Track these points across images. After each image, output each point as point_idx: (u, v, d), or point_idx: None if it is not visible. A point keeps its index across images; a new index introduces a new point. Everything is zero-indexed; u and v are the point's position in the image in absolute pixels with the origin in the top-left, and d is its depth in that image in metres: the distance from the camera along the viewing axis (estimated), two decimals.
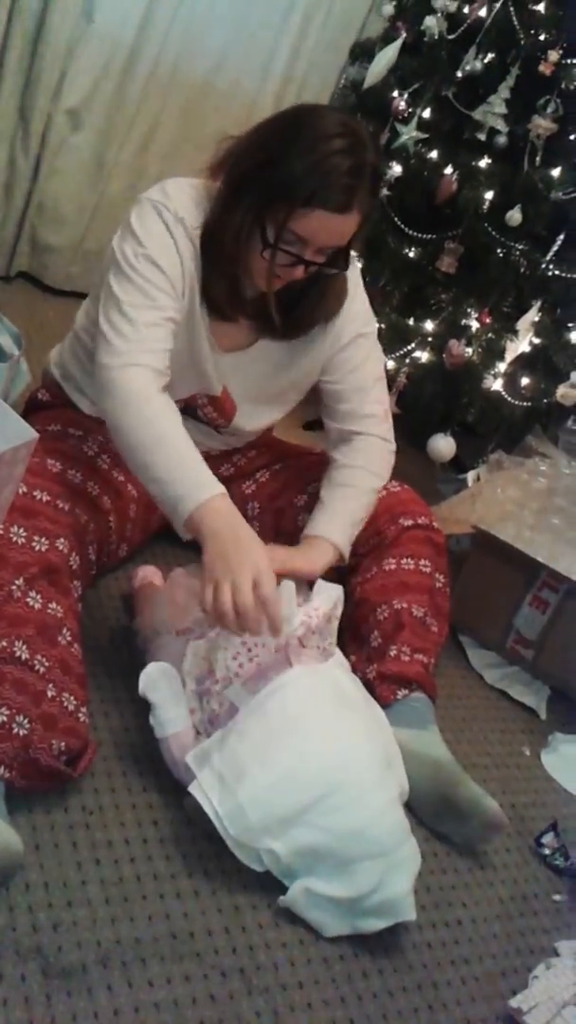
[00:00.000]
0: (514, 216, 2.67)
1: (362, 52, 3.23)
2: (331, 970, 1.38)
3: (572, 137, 2.71)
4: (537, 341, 2.75)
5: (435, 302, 2.92)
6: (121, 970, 1.25)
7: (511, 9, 2.69)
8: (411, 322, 2.92)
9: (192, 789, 1.43)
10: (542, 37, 2.67)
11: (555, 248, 2.71)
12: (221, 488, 1.54)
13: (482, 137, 2.76)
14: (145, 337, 1.59)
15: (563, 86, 2.63)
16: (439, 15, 2.83)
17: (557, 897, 1.74)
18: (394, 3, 3.06)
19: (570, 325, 2.82)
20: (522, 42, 2.68)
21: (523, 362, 2.76)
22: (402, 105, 2.91)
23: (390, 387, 2.71)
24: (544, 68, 2.62)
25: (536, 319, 2.71)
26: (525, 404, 2.77)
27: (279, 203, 1.55)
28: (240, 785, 1.40)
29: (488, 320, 2.78)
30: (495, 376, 2.74)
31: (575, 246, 2.73)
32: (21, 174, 2.98)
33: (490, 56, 2.76)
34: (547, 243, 2.72)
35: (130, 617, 1.80)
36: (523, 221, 2.68)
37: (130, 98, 3.05)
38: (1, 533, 1.49)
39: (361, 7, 3.35)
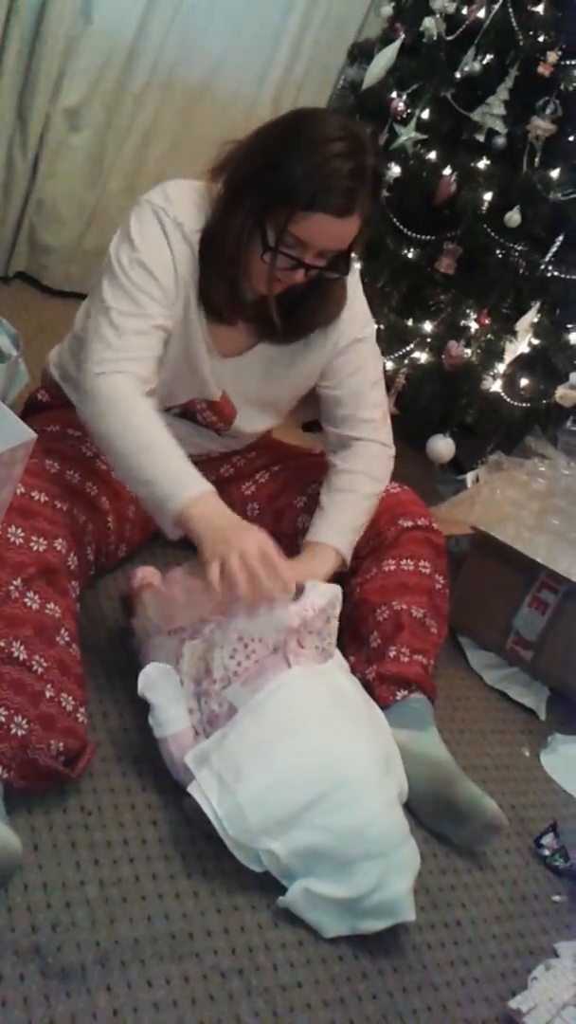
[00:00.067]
0: (513, 217, 2.67)
1: (361, 53, 3.23)
2: (330, 971, 1.38)
3: (571, 138, 2.70)
4: (536, 342, 2.75)
5: (434, 303, 2.92)
6: (120, 970, 1.24)
7: (510, 10, 2.69)
8: (410, 323, 2.92)
9: (191, 789, 1.42)
10: (541, 38, 2.66)
11: (554, 249, 2.71)
12: (210, 486, 1.56)
13: (481, 138, 2.76)
14: (131, 345, 1.60)
15: (562, 87, 2.63)
16: (438, 16, 2.83)
17: (556, 898, 1.73)
18: (393, 4, 3.06)
19: (569, 326, 2.82)
20: (521, 43, 2.68)
21: (522, 363, 2.76)
22: (401, 106, 2.91)
23: (389, 388, 2.71)
24: (543, 69, 2.62)
25: (535, 320, 2.71)
26: (524, 405, 2.76)
27: (280, 206, 1.55)
28: (239, 785, 1.40)
29: (487, 321, 2.78)
30: (494, 377, 2.74)
31: (574, 247, 2.72)
32: (19, 174, 2.98)
33: (489, 57, 2.75)
34: (546, 244, 2.72)
35: (128, 618, 1.80)
36: (522, 222, 2.67)
37: (128, 98, 3.05)
38: None
39: (359, 8, 3.36)
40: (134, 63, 3.00)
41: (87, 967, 1.23)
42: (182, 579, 1.67)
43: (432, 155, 2.89)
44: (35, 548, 1.51)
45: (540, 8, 2.67)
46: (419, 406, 2.86)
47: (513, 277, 2.77)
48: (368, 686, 1.76)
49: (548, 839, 1.81)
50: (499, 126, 2.73)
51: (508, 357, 2.73)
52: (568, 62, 2.63)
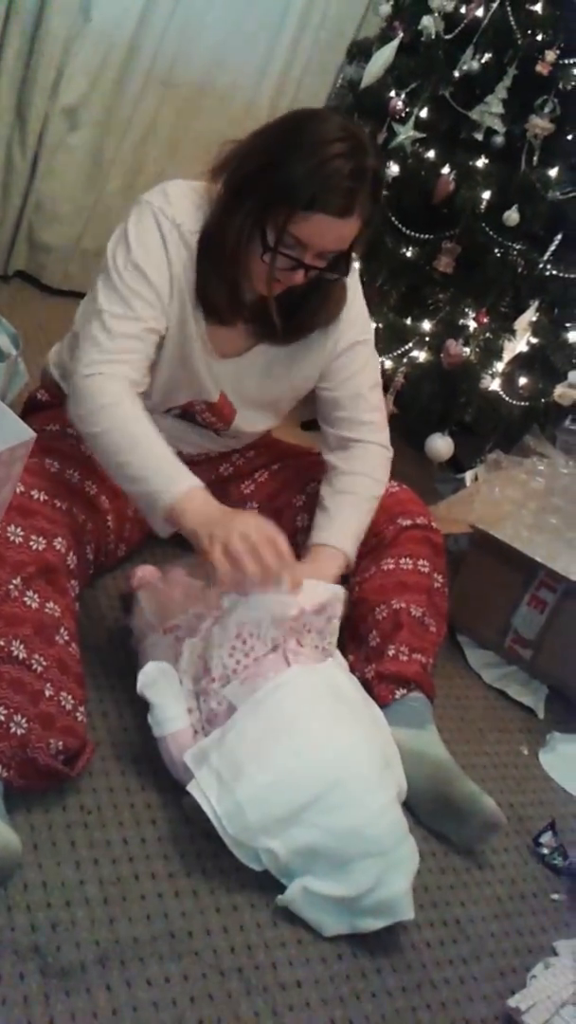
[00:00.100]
0: (511, 216, 2.67)
1: (359, 52, 3.23)
2: (329, 969, 1.38)
3: (569, 137, 2.71)
4: (535, 341, 2.75)
5: (432, 302, 2.92)
6: (119, 969, 1.24)
7: (508, 9, 2.69)
8: (408, 322, 2.92)
9: (190, 788, 1.42)
10: (539, 37, 2.66)
11: (552, 248, 2.71)
12: (199, 481, 1.56)
13: (479, 137, 2.76)
14: (121, 348, 1.62)
15: (560, 86, 2.63)
16: (436, 15, 2.83)
17: (555, 896, 1.74)
18: (391, 3, 3.06)
19: (568, 325, 2.82)
20: (519, 42, 2.68)
21: (521, 362, 2.76)
22: (399, 105, 2.91)
23: (387, 387, 2.72)
24: (541, 68, 2.62)
25: (534, 319, 2.71)
26: (523, 404, 2.77)
27: (280, 207, 1.55)
28: (238, 784, 1.40)
29: (486, 320, 2.78)
30: (493, 376, 2.74)
31: (572, 246, 2.73)
32: (18, 173, 2.98)
33: (487, 56, 2.75)
34: (544, 243, 2.72)
35: (127, 617, 1.80)
36: (520, 221, 2.67)
37: (127, 97, 3.05)
38: None
39: (358, 7, 3.36)
40: (133, 61, 3.00)
41: (87, 966, 1.23)
42: (182, 578, 1.68)
43: (431, 154, 2.89)
44: (34, 547, 1.51)
45: (538, 7, 2.68)
46: (418, 405, 2.86)
47: (512, 276, 2.77)
48: (367, 685, 1.76)
49: (547, 837, 1.81)
50: (497, 125, 2.73)
51: (507, 356, 2.73)
52: (566, 61, 2.63)
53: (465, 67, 2.76)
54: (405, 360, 2.86)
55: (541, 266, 2.73)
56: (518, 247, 2.74)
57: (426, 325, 2.88)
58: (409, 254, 2.95)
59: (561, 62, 2.62)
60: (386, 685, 1.79)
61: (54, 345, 2.02)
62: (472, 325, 2.79)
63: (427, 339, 2.86)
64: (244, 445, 2.07)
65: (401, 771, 1.60)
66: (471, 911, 1.61)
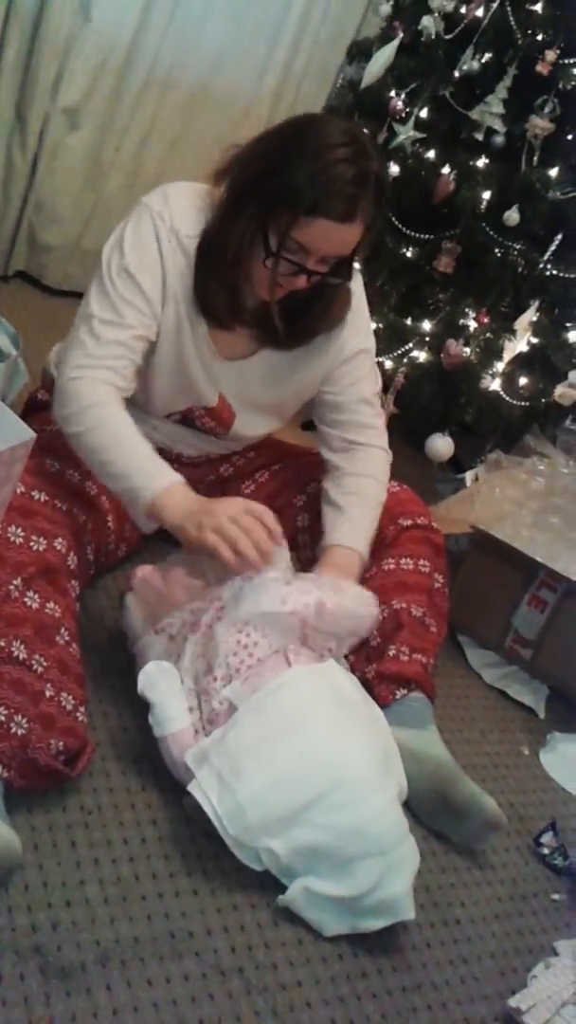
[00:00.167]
0: (512, 216, 2.67)
1: (359, 52, 3.23)
2: (330, 969, 1.38)
3: (569, 137, 2.71)
4: (535, 341, 2.75)
5: (433, 302, 2.92)
6: (120, 969, 1.24)
7: (508, 9, 2.69)
8: (409, 322, 2.92)
9: (191, 788, 1.43)
10: (539, 37, 2.66)
11: (553, 248, 2.71)
12: (180, 477, 1.58)
13: (479, 137, 2.76)
14: (108, 354, 1.63)
15: (560, 86, 2.63)
16: (436, 15, 2.83)
17: (556, 896, 1.74)
18: (391, 3, 3.06)
19: (568, 325, 2.82)
20: (519, 42, 2.68)
21: (521, 362, 2.76)
22: (399, 105, 2.91)
23: (388, 387, 2.72)
24: (541, 68, 2.62)
25: (534, 319, 2.71)
26: (523, 404, 2.76)
27: (282, 211, 1.54)
28: (239, 784, 1.40)
29: (486, 320, 2.78)
30: (493, 376, 2.74)
31: (573, 246, 2.73)
32: (19, 173, 2.98)
33: (487, 56, 2.75)
34: (545, 243, 2.72)
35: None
36: (521, 221, 2.68)
37: (127, 97, 3.05)
38: None
39: (358, 7, 3.36)
40: (133, 62, 3.00)
41: (87, 966, 1.23)
42: (182, 578, 1.68)
43: (431, 154, 2.89)
44: (35, 547, 1.51)
45: (538, 7, 2.68)
46: (418, 405, 2.86)
47: (512, 276, 2.77)
48: (367, 685, 1.76)
49: (547, 837, 1.81)
50: (498, 125, 2.73)
51: (507, 356, 2.73)
52: (566, 61, 2.63)
53: (465, 67, 2.76)
54: (405, 360, 2.86)
55: (541, 266, 2.73)
56: (518, 247, 2.74)
57: (426, 325, 2.88)
58: (409, 254, 2.95)
59: (561, 62, 2.62)
60: (387, 685, 1.79)
61: (54, 345, 2.02)
62: (472, 325, 2.79)
63: (427, 339, 2.86)
64: (245, 446, 2.07)
65: (402, 771, 1.60)
66: (471, 911, 1.61)
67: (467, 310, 2.82)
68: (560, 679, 2.27)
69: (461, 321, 2.81)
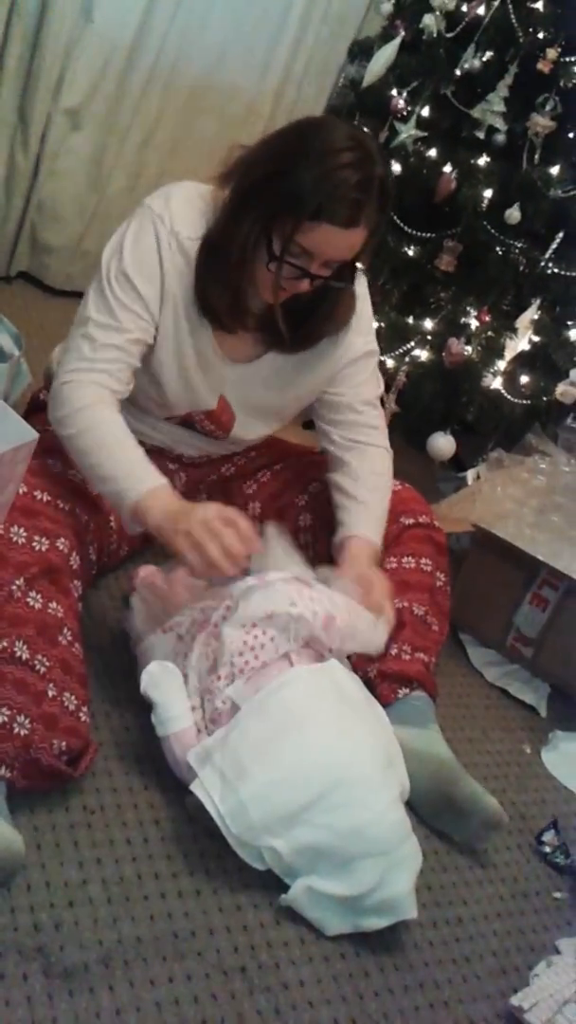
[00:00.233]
0: (513, 214, 2.67)
1: (361, 51, 3.23)
2: (332, 968, 1.39)
3: (571, 135, 2.71)
4: (536, 339, 2.75)
5: (434, 300, 2.92)
6: (123, 969, 1.25)
7: (509, 7, 2.69)
8: (410, 320, 2.92)
9: (194, 787, 1.43)
10: (541, 35, 2.66)
11: (554, 246, 2.71)
12: (164, 480, 1.59)
13: (481, 135, 2.76)
14: (103, 358, 1.64)
15: (562, 84, 2.63)
16: (437, 13, 2.83)
17: (558, 895, 1.74)
18: (392, 1, 3.06)
19: (569, 323, 2.82)
20: (521, 40, 2.68)
21: (522, 360, 2.76)
22: (401, 103, 2.91)
23: (389, 386, 2.72)
24: (543, 66, 2.62)
25: (535, 317, 2.71)
26: (525, 402, 2.76)
27: (286, 216, 1.54)
28: (242, 783, 1.40)
29: (487, 318, 2.78)
30: (495, 374, 2.74)
31: (574, 244, 2.72)
32: (21, 174, 2.98)
33: (489, 54, 2.75)
34: (546, 241, 2.72)
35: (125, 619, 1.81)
36: (522, 219, 2.67)
37: (129, 98, 3.05)
38: (1, 533, 1.49)
39: (359, 5, 3.36)
40: (135, 62, 3.00)
41: (90, 966, 1.23)
42: (185, 578, 1.68)
43: (432, 152, 2.89)
44: (37, 548, 1.52)
45: (540, 5, 2.68)
46: (420, 404, 2.86)
47: (513, 274, 2.77)
48: (369, 684, 1.76)
49: (549, 836, 1.81)
50: (499, 123, 2.73)
51: (508, 354, 2.73)
52: (568, 59, 2.63)
53: (466, 65, 2.77)
54: (407, 359, 2.86)
55: (543, 264, 2.72)
56: (520, 245, 2.74)
57: (428, 324, 2.88)
58: (411, 253, 2.95)
59: (562, 60, 2.62)
60: (389, 684, 1.80)
61: (56, 346, 2.02)
62: (474, 323, 2.79)
63: (429, 338, 2.86)
64: (246, 447, 2.07)
65: (404, 770, 1.61)
66: (473, 910, 1.61)
67: (468, 308, 2.82)
68: (561, 677, 2.27)
69: (462, 319, 2.81)
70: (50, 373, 2.00)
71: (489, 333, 2.76)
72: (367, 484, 1.86)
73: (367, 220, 1.57)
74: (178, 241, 1.65)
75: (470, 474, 2.74)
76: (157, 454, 1.91)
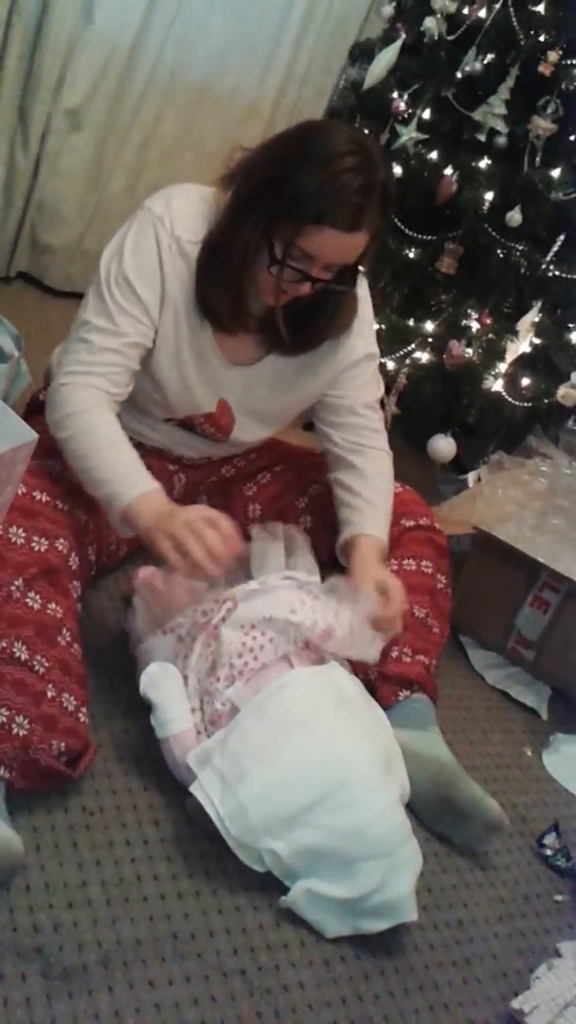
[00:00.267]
0: (514, 217, 2.66)
1: (361, 53, 3.23)
2: (332, 971, 1.38)
3: (572, 138, 2.70)
4: (537, 342, 2.75)
5: (435, 303, 2.91)
6: (122, 971, 1.24)
7: (511, 10, 2.68)
8: (411, 323, 2.92)
9: (193, 789, 1.42)
10: (542, 38, 2.66)
11: (555, 249, 2.70)
12: (157, 485, 1.59)
13: (482, 138, 2.75)
14: (101, 361, 1.64)
15: (563, 87, 2.62)
16: (439, 16, 2.83)
17: (559, 898, 1.73)
18: (393, 4, 3.06)
19: (570, 326, 2.81)
20: (522, 43, 2.67)
21: (523, 363, 2.76)
22: (402, 106, 2.91)
23: (390, 388, 2.71)
24: (544, 69, 2.62)
25: (536, 320, 2.71)
26: (526, 405, 2.76)
27: (288, 219, 1.54)
28: (241, 785, 1.40)
29: (488, 321, 2.78)
30: (496, 377, 2.74)
31: (575, 246, 2.72)
32: (21, 175, 2.98)
33: (490, 57, 2.75)
34: (547, 244, 2.72)
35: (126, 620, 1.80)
36: (523, 222, 2.67)
37: (130, 98, 3.05)
38: (0, 533, 1.49)
39: (360, 8, 3.36)
40: (135, 63, 3.00)
41: (89, 967, 1.23)
42: (184, 579, 1.68)
43: (433, 155, 2.89)
44: (37, 548, 1.51)
45: (541, 8, 2.67)
46: (420, 406, 2.86)
47: (514, 277, 2.76)
48: (370, 686, 1.76)
49: (550, 839, 1.81)
50: (500, 126, 2.72)
51: (509, 357, 2.73)
52: (569, 61, 2.62)
53: (468, 68, 2.76)
54: (408, 361, 2.86)
55: (544, 267, 2.72)
56: (521, 248, 2.74)
57: (429, 326, 2.88)
58: (412, 255, 2.95)
59: (563, 63, 2.61)
60: (389, 686, 1.79)
61: (56, 346, 2.02)
62: (475, 326, 2.79)
63: (430, 340, 2.85)
64: (246, 449, 2.07)
65: (404, 772, 1.60)
66: (474, 912, 1.61)
67: (469, 311, 2.82)
68: (562, 680, 2.27)
69: (463, 322, 2.81)
70: (50, 374, 2.00)
71: (490, 335, 2.76)
72: (374, 484, 1.86)
73: (369, 224, 1.57)
74: (179, 244, 1.65)
75: (471, 476, 2.73)
76: (157, 455, 1.91)
